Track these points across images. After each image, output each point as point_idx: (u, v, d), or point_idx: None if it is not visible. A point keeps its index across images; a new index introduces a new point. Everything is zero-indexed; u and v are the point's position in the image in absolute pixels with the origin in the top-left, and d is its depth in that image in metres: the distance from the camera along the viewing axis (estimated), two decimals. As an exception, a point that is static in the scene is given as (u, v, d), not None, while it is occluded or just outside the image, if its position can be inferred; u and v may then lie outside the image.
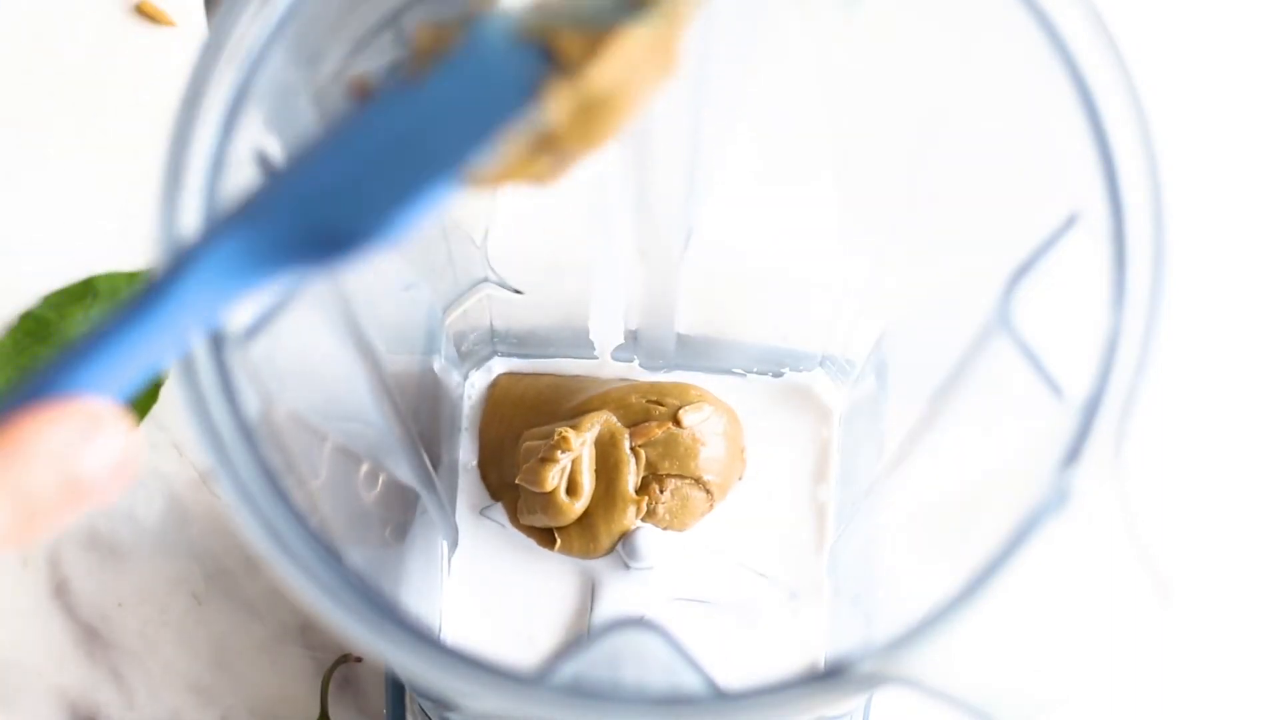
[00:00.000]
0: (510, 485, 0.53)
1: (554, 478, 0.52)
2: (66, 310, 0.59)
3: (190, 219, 0.30)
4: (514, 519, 0.53)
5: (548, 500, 0.52)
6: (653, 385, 0.53)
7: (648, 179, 0.41)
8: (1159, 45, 0.61)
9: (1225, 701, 0.57)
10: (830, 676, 0.30)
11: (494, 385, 0.54)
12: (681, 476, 0.52)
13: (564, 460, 0.52)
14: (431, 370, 0.49)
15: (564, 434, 0.52)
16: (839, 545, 0.51)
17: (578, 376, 0.54)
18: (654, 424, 0.53)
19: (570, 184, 0.44)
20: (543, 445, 0.52)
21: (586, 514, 0.52)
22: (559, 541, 0.53)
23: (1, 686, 0.57)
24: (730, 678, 0.46)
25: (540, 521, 0.53)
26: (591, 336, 0.52)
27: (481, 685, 0.29)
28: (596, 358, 0.54)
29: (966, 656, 0.30)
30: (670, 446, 0.52)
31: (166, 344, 0.28)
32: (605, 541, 0.52)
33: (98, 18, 0.62)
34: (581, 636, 0.51)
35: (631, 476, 0.52)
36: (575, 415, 0.53)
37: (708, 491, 0.52)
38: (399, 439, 0.42)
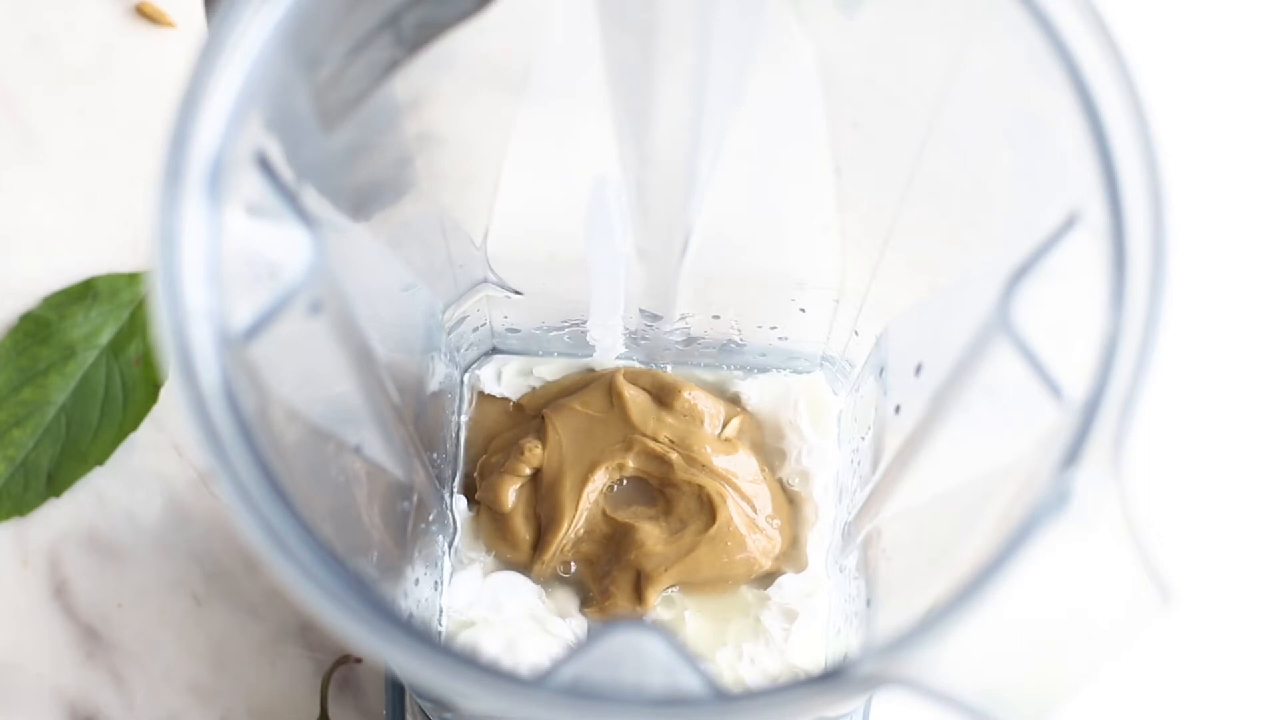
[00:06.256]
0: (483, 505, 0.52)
1: (511, 496, 0.51)
2: (66, 311, 0.59)
3: (190, 219, 0.30)
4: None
5: (505, 524, 0.51)
6: (649, 376, 0.53)
7: (648, 179, 0.41)
8: (1159, 45, 0.61)
9: (1225, 701, 0.57)
10: (830, 677, 0.30)
11: (472, 409, 0.54)
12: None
13: (526, 473, 0.51)
14: (431, 370, 0.49)
15: (527, 444, 0.51)
16: (838, 546, 0.51)
17: (566, 377, 0.54)
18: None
19: (570, 184, 0.44)
20: (503, 458, 0.51)
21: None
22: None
23: (1, 687, 0.57)
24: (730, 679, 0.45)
25: (504, 555, 0.52)
26: (590, 338, 0.52)
27: (481, 686, 0.29)
28: (596, 357, 0.54)
29: (966, 657, 0.30)
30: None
31: None
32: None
33: (98, 18, 0.62)
34: (582, 637, 0.51)
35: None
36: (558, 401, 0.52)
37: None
38: (398, 440, 0.42)
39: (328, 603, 0.30)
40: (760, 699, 0.30)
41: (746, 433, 0.52)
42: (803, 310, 0.50)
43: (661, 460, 0.50)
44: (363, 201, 0.40)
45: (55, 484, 0.58)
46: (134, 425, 0.58)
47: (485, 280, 0.50)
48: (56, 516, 0.58)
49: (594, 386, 0.52)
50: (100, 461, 0.58)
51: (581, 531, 0.50)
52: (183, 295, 0.30)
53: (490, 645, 0.51)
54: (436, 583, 0.51)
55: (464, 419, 0.54)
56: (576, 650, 0.30)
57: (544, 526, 0.51)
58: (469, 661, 0.30)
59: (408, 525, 0.47)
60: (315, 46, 0.33)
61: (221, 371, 0.30)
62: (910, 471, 0.42)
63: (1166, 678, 0.57)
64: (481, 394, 0.54)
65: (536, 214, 0.47)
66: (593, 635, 0.31)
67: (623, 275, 0.47)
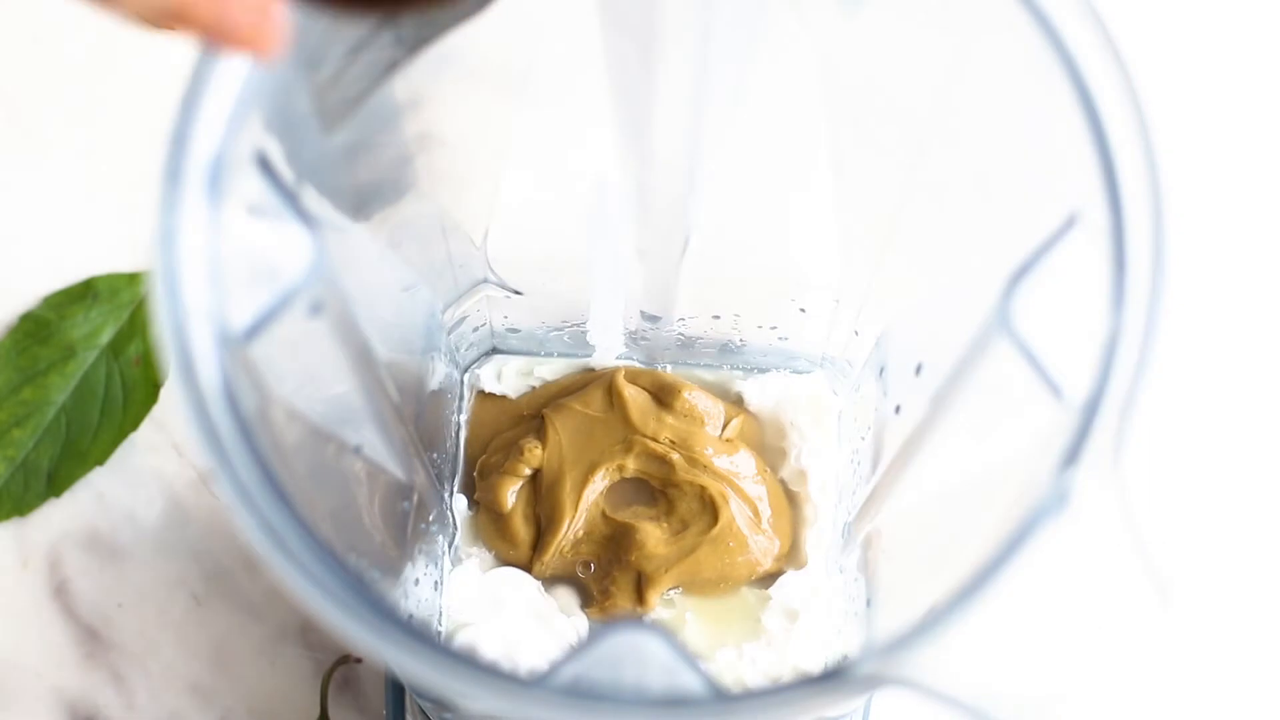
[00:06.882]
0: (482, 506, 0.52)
1: (511, 496, 0.51)
2: (66, 311, 0.59)
3: (190, 219, 0.30)
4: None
5: (504, 524, 0.51)
6: (648, 375, 0.52)
7: (648, 179, 0.41)
8: (1159, 45, 0.61)
9: (1225, 702, 0.57)
10: (830, 677, 0.30)
11: (472, 409, 0.54)
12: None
13: (526, 473, 0.51)
14: (431, 370, 0.49)
15: (526, 444, 0.51)
16: (839, 546, 0.51)
17: (566, 377, 0.54)
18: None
19: (570, 185, 0.44)
20: (502, 458, 0.51)
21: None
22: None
23: (1, 687, 0.57)
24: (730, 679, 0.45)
25: (503, 555, 0.52)
26: (590, 338, 0.52)
27: (481, 686, 0.29)
28: (596, 357, 0.54)
29: (966, 657, 0.30)
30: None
31: None
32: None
33: (98, 18, 0.62)
34: (582, 638, 0.51)
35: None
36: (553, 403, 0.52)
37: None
38: (398, 440, 0.42)
39: (328, 603, 0.30)
40: (760, 699, 0.30)
41: (746, 433, 0.52)
42: (803, 310, 0.50)
43: (662, 461, 0.50)
44: (363, 201, 0.40)
45: (55, 484, 0.58)
46: (134, 425, 0.58)
47: (485, 280, 0.50)
48: (56, 516, 0.58)
49: (594, 386, 0.52)
50: (100, 461, 0.58)
51: (581, 532, 0.50)
52: (183, 295, 0.30)
53: (490, 645, 0.51)
54: (436, 583, 0.51)
55: (464, 419, 0.54)
56: (576, 650, 0.30)
57: (543, 527, 0.50)
58: (469, 661, 0.30)
59: (408, 525, 0.47)
60: (315, 46, 0.33)
61: (221, 371, 0.30)
62: (910, 471, 0.42)
63: (1166, 678, 0.57)
64: (481, 394, 0.54)
65: (536, 214, 0.47)
66: (593, 635, 0.31)
67: (623, 275, 0.47)
